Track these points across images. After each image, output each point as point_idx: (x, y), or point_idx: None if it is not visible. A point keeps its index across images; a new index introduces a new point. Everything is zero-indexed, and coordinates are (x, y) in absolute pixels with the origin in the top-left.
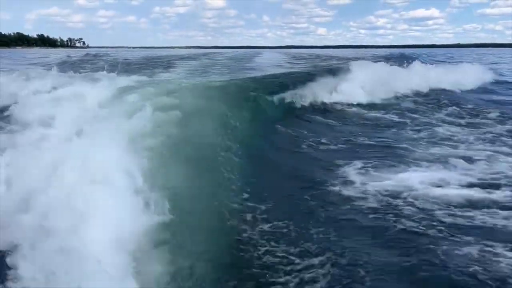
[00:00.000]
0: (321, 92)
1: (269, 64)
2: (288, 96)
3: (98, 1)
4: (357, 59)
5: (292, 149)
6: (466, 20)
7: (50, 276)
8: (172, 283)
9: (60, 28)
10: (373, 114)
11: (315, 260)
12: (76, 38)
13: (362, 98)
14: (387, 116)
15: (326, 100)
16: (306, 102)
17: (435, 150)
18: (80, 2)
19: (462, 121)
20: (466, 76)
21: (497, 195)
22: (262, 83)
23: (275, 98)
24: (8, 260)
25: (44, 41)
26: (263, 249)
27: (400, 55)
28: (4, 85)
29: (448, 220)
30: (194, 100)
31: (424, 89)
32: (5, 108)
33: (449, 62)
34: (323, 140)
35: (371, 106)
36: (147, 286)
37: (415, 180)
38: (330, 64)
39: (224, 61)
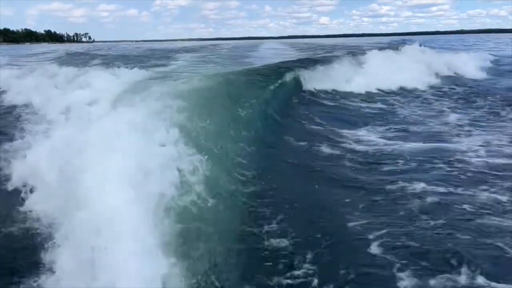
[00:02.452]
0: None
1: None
2: (296, 80)
3: None
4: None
5: (303, 134)
6: (471, 6)
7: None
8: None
9: (63, 23)
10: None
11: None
12: (82, 33)
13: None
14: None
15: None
16: (315, 87)
17: None
18: None
19: None
20: None
21: None
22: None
23: (283, 83)
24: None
25: (51, 37)
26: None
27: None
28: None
29: None
30: (204, 90)
31: None
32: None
33: None
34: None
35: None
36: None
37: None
38: None
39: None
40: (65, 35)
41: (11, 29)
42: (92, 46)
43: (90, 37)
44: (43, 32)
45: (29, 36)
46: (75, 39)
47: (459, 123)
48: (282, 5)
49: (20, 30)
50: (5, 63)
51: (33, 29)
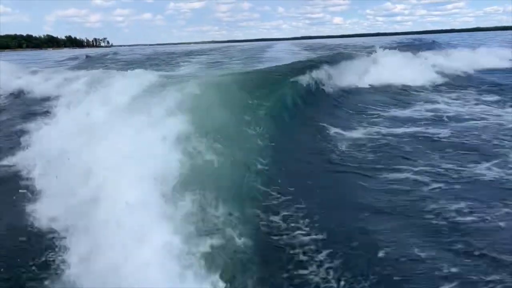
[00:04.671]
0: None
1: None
2: (310, 80)
3: (114, 0)
4: None
5: (316, 133)
6: (487, 3)
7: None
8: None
9: (80, 28)
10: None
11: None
12: (101, 38)
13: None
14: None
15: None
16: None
17: None
18: (97, 2)
19: None
20: None
21: None
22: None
23: (298, 82)
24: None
25: (72, 42)
26: (286, 234)
27: None
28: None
29: None
30: (220, 89)
31: None
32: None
33: None
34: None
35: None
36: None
37: None
38: None
39: None
40: (85, 40)
41: (33, 35)
42: (130, 49)
43: (108, 42)
44: (64, 37)
45: (51, 42)
46: (94, 44)
47: None
48: (295, 6)
49: (42, 36)
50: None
51: (52, 35)
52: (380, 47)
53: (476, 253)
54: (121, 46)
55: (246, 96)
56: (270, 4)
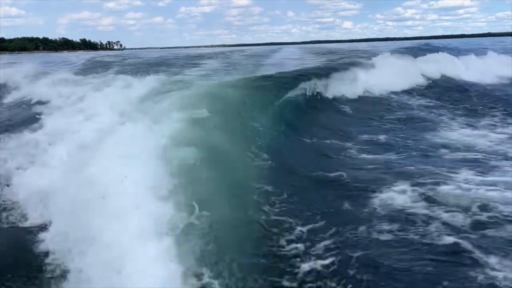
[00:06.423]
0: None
1: None
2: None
3: (126, 4)
4: None
5: (315, 140)
6: (499, 8)
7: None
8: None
9: (93, 31)
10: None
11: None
12: (114, 41)
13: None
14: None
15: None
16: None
17: None
18: (109, 5)
19: None
20: None
21: None
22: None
23: (298, 90)
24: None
25: (86, 45)
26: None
27: None
28: None
29: None
30: (219, 96)
31: None
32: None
33: None
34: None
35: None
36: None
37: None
38: None
39: None
40: (99, 43)
41: (49, 38)
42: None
43: (121, 45)
44: (78, 40)
45: (66, 45)
46: (108, 47)
47: None
48: (305, 11)
49: (58, 39)
50: None
51: (66, 38)
52: None
53: None
54: (132, 49)
55: (241, 108)
56: (281, 8)
